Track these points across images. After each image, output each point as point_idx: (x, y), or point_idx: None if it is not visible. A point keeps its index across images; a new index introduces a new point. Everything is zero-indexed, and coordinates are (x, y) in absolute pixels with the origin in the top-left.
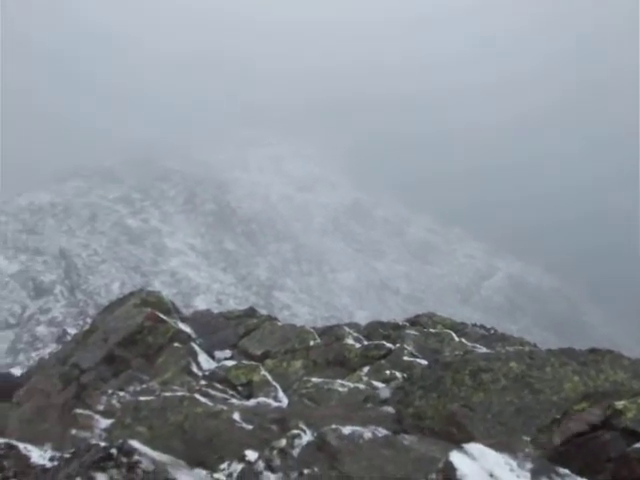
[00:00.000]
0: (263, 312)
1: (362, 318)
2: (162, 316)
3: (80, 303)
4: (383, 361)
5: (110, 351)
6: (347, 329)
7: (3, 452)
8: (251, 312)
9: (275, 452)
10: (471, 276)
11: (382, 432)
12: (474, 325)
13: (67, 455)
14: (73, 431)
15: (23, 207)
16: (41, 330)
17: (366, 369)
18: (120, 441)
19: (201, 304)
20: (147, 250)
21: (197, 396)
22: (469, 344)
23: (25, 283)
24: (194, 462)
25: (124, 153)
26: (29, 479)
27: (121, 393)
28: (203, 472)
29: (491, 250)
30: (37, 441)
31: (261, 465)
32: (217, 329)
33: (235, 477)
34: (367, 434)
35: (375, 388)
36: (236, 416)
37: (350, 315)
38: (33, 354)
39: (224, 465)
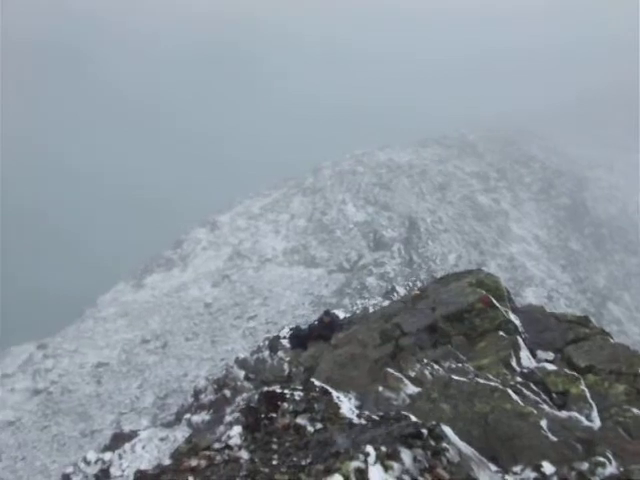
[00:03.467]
0: (593, 320)
1: None
2: (495, 302)
3: (414, 265)
4: None
5: (434, 322)
6: None
7: (317, 395)
8: (585, 320)
9: (574, 473)
10: None
11: None
12: None
13: (375, 417)
14: (380, 388)
15: (381, 162)
16: (371, 281)
17: None
18: (433, 423)
19: (530, 296)
20: (491, 230)
21: (509, 391)
22: None
23: (367, 234)
24: (487, 455)
25: (489, 131)
26: (334, 428)
27: (435, 366)
28: (494, 468)
29: None
30: (343, 386)
31: None
32: (545, 328)
33: None
34: None
35: None
36: (543, 423)
37: None
38: (358, 301)
39: (517, 468)
